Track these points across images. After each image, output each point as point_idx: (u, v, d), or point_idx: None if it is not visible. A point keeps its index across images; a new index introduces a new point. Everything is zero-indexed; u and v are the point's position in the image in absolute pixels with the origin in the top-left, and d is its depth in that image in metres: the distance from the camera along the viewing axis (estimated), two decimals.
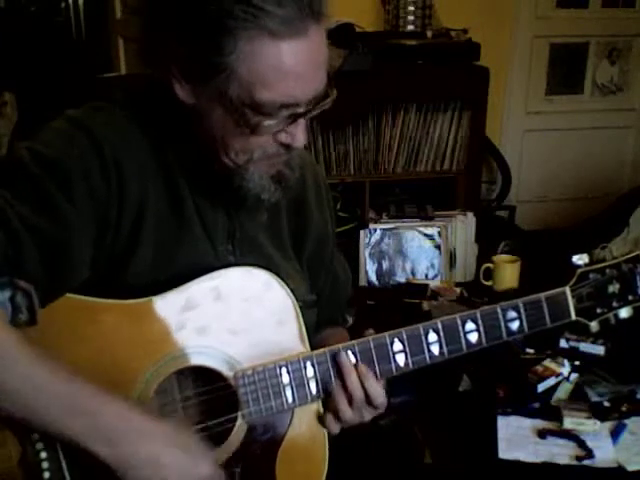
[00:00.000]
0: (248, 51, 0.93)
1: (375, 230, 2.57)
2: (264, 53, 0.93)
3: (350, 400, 1.09)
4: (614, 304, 1.22)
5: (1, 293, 0.88)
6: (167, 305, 1.03)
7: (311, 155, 1.17)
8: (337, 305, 1.36)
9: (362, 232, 2.56)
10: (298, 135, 1.02)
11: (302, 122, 1.02)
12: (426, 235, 2.59)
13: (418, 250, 2.59)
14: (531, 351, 1.84)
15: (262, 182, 1.04)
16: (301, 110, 0.99)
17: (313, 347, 1.11)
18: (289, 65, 0.95)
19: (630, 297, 1.23)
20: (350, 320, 1.42)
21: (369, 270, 2.57)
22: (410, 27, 2.80)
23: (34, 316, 0.91)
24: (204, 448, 0.99)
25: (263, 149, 1.02)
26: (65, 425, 0.90)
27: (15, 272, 0.90)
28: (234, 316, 1.06)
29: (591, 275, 1.21)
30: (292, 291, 1.10)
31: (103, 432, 0.91)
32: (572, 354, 1.86)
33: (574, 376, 1.78)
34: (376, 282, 2.58)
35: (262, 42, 0.93)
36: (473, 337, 1.16)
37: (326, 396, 1.10)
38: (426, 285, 2.45)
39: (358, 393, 1.09)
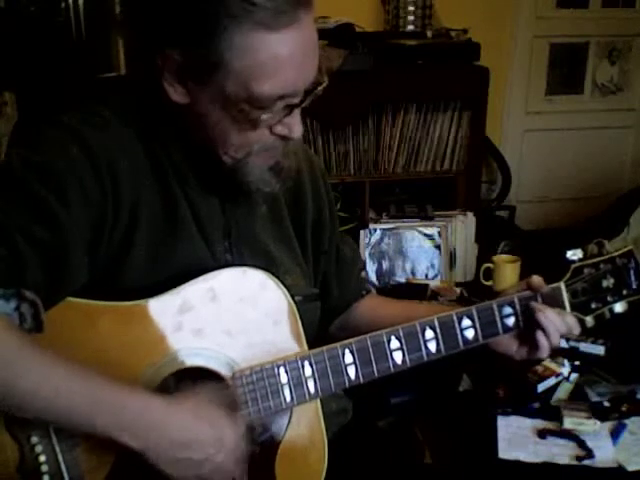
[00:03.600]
0: (244, 46, 0.94)
1: (375, 230, 2.57)
2: (260, 46, 0.94)
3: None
4: (609, 299, 1.22)
5: (7, 304, 0.89)
6: (163, 307, 1.02)
7: (305, 144, 1.18)
8: (351, 281, 1.36)
9: (362, 232, 2.56)
10: (295, 126, 1.03)
11: (297, 112, 1.02)
12: (426, 235, 2.59)
13: (418, 250, 2.59)
14: None
15: (262, 175, 1.05)
16: (296, 100, 1.00)
17: (387, 325, 1.14)
18: (286, 55, 0.96)
19: (625, 292, 1.23)
20: (372, 290, 1.43)
21: (369, 270, 2.57)
22: (410, 27, 2.80)
23: (40, 325, 0.92)
24: (227, 418, 1.01)
25: (261, 143, 1.03)
26: (89, 423, 0.91)
27: (18, 283, 0.90)
28: (230, 317, 1.06)
29: (585, 270, 1.21)
30: (291, 287, 1.10)
31: (128, 426, 0.92)
32: (572, 354, 1.86)
33: (574, 376, 1.78)
34: (376, 282, 2.58)
35: (257, 36, 0.94)
36: (469, 333, 1.16)
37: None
38: (426, 285, 2.44)
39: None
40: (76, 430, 0.94)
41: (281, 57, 0.95)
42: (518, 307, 1.18)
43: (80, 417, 0.91)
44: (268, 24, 0.93)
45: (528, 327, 1.18)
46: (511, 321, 1.18)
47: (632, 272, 1.23)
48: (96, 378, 0.93)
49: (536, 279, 1.20)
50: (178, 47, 0.96)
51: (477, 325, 1.16)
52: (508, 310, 1.18)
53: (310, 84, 1.00)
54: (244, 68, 0.95)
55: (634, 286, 1.23)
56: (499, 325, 1.18)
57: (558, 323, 1.17)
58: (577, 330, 1.20)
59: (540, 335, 1.17)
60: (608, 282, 1.22)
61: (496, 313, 1.17)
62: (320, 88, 1.02)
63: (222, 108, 0.99)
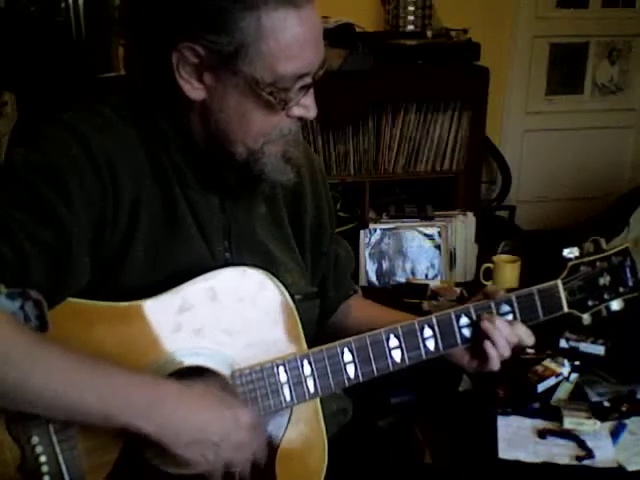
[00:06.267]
0: (270, 27, 0.95)
1: (375, 230, 2.57)
2: (286, 25, 0.95)
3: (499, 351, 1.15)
4: (605, 296, 1.23)
5: (12, 303, 0.89)
6: (162, 306, 1.02)
7: (306, 143, 1.19)
8: (344, 282, 1.37)
9: (362, 232, 2.56)
10: (311, 105, 1.04)
11: (311, 92, 1.03)
12: (426, 235, 2.59)
13: (418, 250, 2.59)
14: (531, 351, 1.83)
15: (278, 164, 1.06)
16: (310, 80, 1.01)
17: (360, 330, 1.13)
18: (308, 33, 0.97)
19: (621, 289, 1.24)
20: (358, 289, 1.43)
21: (369, 270, 2.57)
22: (410, 27, 2.81)
23: (45, 324, 0.92)
24: (239, 401, 1.01)
25: (279, 128, 1.03)
26: (102, 413, 0.91)
27: (22, 283, 0.90)
28: (229, 316, 1.05)
29: (582, 268, 1.22)
30: (290, 286, 1.10)
31: (142, 410, 0.92)
32: (572, 354, 1.86)
33: (574, 376, 1.78)
34: (376, 282, 2.58)
35: (282, 14, 0.95)
36: (467, 331, 1.16)
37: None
38: (426, 285, 2.44)
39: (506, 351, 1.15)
40: (88, 422, 0.93)
41: (304, 35, 0.96)
42: (515, 305, 1.18)
43: (92, 407, 0.90)
44: (293, 1, 0.94)
45: (477, 338, 1.16)
46: (509, 318, 1.18)
47: (628, 270, 1.24)
48: (105, 366, 0.93)
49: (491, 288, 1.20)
50: (196, 39, 0.96)
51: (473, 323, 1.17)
52: (505, 308, 1.18)
53: (320, 62, 1.01)
54: (270, 49, 0.95)
55: (630, 283, 1.24)
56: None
57: (507, 333, 1.14)
58: (530, 341, 1.17)
59: (488, 346, 1.15)
60: (604, 280, 1.22)
61: (494, 312, 1.17)
62: (325, 64, 1.03)
63: (244, 96, 0.99)
